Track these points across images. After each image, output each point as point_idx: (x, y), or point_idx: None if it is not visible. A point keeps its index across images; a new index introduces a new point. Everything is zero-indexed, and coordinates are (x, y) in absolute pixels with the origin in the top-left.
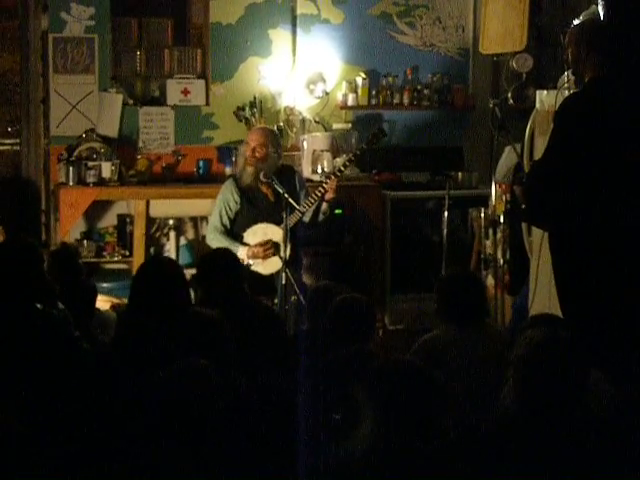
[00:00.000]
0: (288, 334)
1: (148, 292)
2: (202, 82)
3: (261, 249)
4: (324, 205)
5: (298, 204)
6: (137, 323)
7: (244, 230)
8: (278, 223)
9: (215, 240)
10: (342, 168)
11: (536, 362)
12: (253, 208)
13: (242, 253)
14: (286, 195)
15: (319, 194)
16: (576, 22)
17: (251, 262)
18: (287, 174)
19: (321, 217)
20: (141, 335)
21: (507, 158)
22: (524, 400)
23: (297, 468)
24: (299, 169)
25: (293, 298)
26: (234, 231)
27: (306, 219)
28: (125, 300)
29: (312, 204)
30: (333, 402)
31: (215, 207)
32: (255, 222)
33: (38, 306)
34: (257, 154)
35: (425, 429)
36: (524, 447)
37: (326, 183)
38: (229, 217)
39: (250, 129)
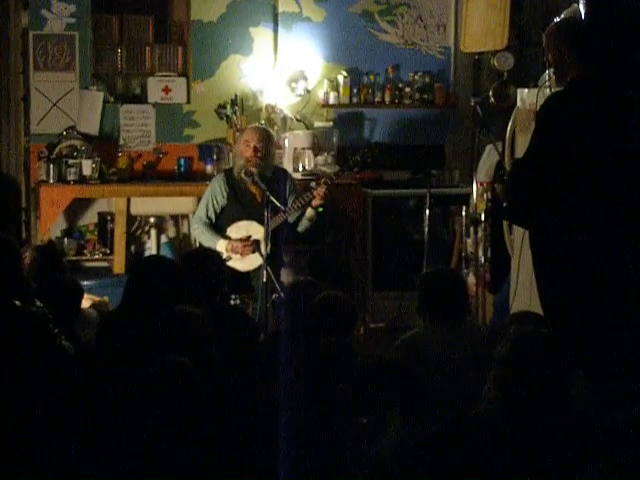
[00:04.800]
0: (267, 332)
1: (144, 290)
2: (183, 80)
3: (240, 244)
4: (310, 211)
5: (285, 207)
6: (122, 320)
7: (229, 225)
8: (263, 222)
9: (198, 231)
10: (334, 177)
11: (519, 359)
12: (240, 205)
13: (221, 246)
14: (267, 192)
15: (307, 199)
16: (555, 21)
17: (231, 256)
18: (279, 176)
19: (306, 223)
20: (125, 332)
21: (488, 156)
22: (507, 397)
23: (279, 464)
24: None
25: (274, 296)
26: (219, 225)
27: (290, 220)
28: (106, 298)
29: (298, 208)
30: (360, 405)
31: (203, 199)
32: (240, 219)
33: (17, 303)
34: (259, 154)
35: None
36: (506, 443)
37: (315, 189)
38: (215, 211)
39: (231, 127)
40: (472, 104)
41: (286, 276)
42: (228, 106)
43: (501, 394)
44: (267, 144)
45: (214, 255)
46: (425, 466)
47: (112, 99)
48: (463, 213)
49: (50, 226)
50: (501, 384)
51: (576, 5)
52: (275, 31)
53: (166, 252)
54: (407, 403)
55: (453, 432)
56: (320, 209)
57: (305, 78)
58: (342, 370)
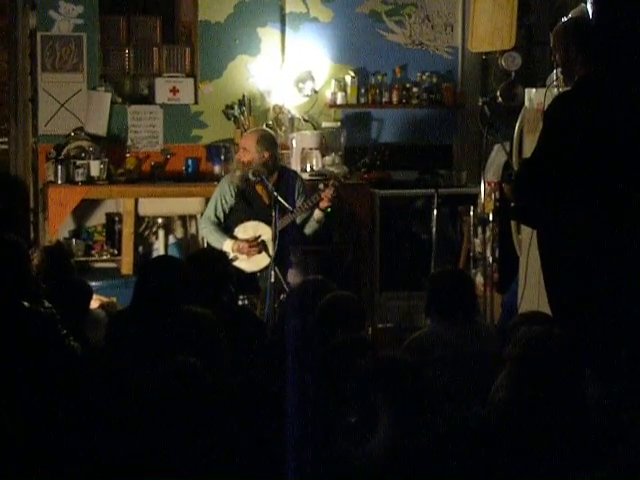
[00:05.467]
0: (276, 333)
1: (155, 290)
2: (191, 80)
3: (246, 245)
4: (319, 213)
5: (293, 208)
6: (132, 320)
7: (236, 226)
8: (270, 223)
9: (206, 230)
10: (342, 179)
11: (533, 360)
12: (247, 206)
13: (228, 246)
14: (275, 193)
15: (314, 201)
16: (563, 21)
17: (238, 256)
18: (288, 177)
19: (314, 225)
20: (135, 333)
21: (496, 156)
22: (520, 397)
23: (288, 465)
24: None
25: (282, 297)
26: (227, 225)
27: (298, 221)
28: (114, 299)
29: (306, 210)
30: (347, 403)
31: (212, 198)
32: (248, 220)
33: (25, 304)
34: (242, 158)
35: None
36: (516, 444)
37: (323, 191)
38: (223, 210)
39: (238, 127)
40: (480, 104)
41: (293, 277)
42: (236, 107)
43: (513, 394)
44: (252, 148)
45: (219, 255)
46: (431, 466)
47: (120, 100)
48: (471, 213)
49: (58, 227)
50: (514, 384)
51: (584, 5)
52: (282, 31)
53: (174, 253)
54: (405, 401)
55: (463, 432)
56: (328, 210)
57: (312, 78)
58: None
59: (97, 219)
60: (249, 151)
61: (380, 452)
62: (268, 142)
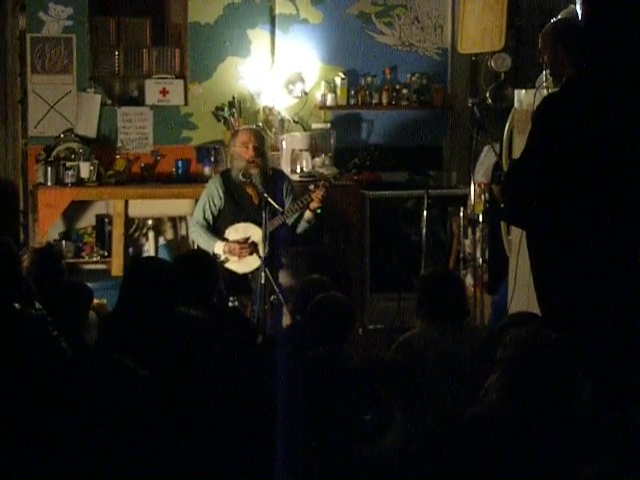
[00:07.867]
0: (265, 334)
1: (139, 291)
2: (181, 82)
3: (237, 246)
4: (309, 213)
5: (282, 208)
6: (123, 323)
7: (227, 227)
8: (261, 224)
9: (196, 233)
10: (332, 180)
11: (525, 361)
12: (237, 207)
13: (219, 248)
14: (266, 194)
15: (305, 202)
16: (551, 22)
17: (229, 258)
18: (276, 178)
19: (305, 225)
20: (126, 335)
21: (486, 157)
22: (513, 398)
23: (277, 466)
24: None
25: (272, 298)
26: (217, 227)
27: (289, 222)
28: (104, 300)
29: (296, 211)
30: (361, 403)
31: (199, 201)
32: (238, 221)
33: (16, 306)
34: (245, 155)
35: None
36: (505, 445)
37: (313, 192)
38: (212, 213)
39: (228, 129)
40: (469, 105)
41: (284, 278)
42: (226, 108)
43: (505, 395)
44: (263, 144)
45: (209, 256)
46: (430, 467)
47: (110, 101)
48: (461, 214)
49: (48, 229)
50: (506, 385)
51: (573, 6)
52: (272, 33)
53: (164, 254)
54: (406, 401)
55: (457, 434)
56: (319, 210)
57: (302, 80)
58: (332, 380)
59: (87, 221)
60: (263, 145)
61: (394, 449)
62: (266, 139)
